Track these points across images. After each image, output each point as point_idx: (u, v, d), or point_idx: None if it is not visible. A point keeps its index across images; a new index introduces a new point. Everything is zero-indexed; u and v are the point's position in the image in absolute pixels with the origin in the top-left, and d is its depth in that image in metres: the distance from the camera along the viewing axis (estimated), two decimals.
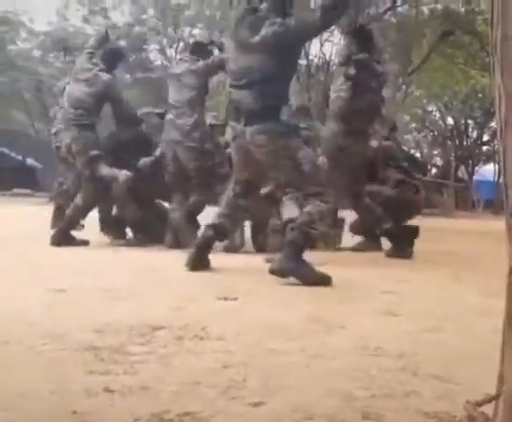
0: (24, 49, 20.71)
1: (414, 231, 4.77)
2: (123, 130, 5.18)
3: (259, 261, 3.92)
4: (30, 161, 24.07)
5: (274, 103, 3.31)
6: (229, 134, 3.55)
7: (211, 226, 3.59)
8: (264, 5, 3.37)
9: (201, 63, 4.88)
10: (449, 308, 2.56)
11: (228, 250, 4.53)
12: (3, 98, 19.76)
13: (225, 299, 2.53)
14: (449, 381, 1.50)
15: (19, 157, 24.23)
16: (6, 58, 19.20)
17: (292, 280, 3.08)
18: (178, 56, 5.49)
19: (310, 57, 16.31)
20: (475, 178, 22.86)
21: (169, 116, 4.94)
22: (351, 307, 2.51)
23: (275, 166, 3.35)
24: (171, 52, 20.52)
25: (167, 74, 5.20)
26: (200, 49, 5.04)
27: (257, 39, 3.26)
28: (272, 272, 3.12)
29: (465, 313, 2.46)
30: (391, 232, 4.62)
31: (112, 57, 5.23)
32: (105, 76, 5.02)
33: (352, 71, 4.43)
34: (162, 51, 21.05)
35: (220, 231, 3.62)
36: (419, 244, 5.73)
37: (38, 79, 18.60)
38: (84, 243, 4.89)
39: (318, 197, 3.27)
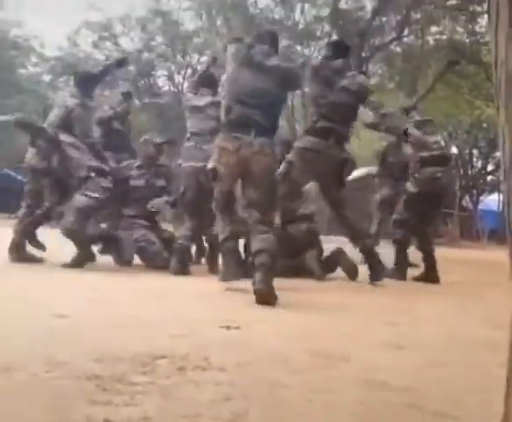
0: (34, 73, 21.03)
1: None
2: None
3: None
4: None
5: (275, 123, 3.70)
6: (229, 145, 3.60)
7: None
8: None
9: (222, 96, 5.10)
10: (454, 340, 2.54)
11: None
12: (10, 122, 19.97)
13: (228, 328, 2.52)
14: (455, 418, 1.48)
15: (25, 180, 24.34)
16: (16, 81, 19.49)
17: (299, 309, 3.07)
18: (188, 87, 5.68)
19: None
20: (480, 207, 22.82)
21: (190, 144, 5.09)
22: (354, 338, 2.49)
23: (264, 181, 3.55)
24: (178, 78, 20.79)
25: (188, 106, 5.33)
26: (207, 80, 5.31)
27: (271, 66, 3.64)
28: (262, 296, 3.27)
29: (471, 346, 2.44)
30: (370, 251, 4.59)
31: (84, 83, 5.30)
32: (69, 101, 5.17)
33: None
34: (170, 77, 21.33)
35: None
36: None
37: (46, 103, 18.83)
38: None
39: (271, 228, 3.53)
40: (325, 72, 4.57)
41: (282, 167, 4.48)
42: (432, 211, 5.35)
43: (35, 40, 20.21)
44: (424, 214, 5.24)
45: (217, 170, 3.66)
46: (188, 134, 5.19)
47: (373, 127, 5.69)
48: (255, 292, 3.29)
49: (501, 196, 22.31)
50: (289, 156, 4.54)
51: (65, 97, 5.39)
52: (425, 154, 5.29)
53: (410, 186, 5.33)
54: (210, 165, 3.71)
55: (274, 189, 3.63)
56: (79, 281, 4.07)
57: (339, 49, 4.73)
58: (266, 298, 3.25)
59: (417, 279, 5.17)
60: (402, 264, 5.25)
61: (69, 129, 5.01)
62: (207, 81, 5.35)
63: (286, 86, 3.72)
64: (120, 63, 5.89)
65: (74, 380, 1.64)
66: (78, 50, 20.35)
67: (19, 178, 24.05)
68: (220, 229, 3.78)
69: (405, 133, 5.33)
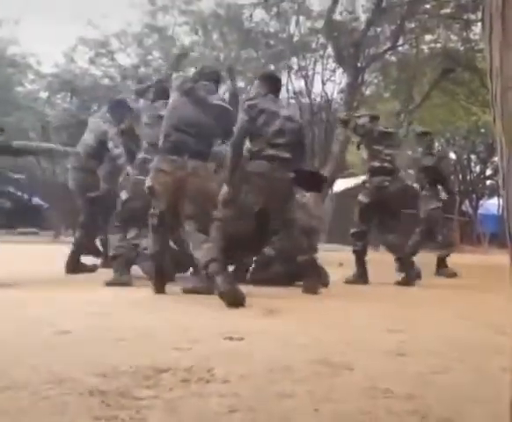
0: (31, 90, 21.08)
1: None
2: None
3: (258, 295, 3.90)
4: (36, 200, 24.18)
5: (209, 148, 4.25)
6: (165, 166, 4.09)
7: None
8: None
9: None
10: (457, 346, 2.53)
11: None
12: (9, 138, 19.97)
13: (231, 339, 2.51)
14: None
15: (25, 196, 24.35)
16: (13, 99, 19.53)
17: (299, 318, 3.06)
18: (150, 96, 5.58)
19: (313, 96, 16.59)
20: (479, 212, 22.82)
21: (147, 156, 4.79)
22: (355, 346, 2.48)
23: (197, 198, 4.05)
24: None
25: (154, 115, 5.02)
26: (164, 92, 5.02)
27: (211, 104, 4.22)
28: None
29: (473, 351, 2.44)
30: (309, 264, 4.60)
31: (116, 110, 5.78)
32: (103, 126, 5.70)
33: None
34: None
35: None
36: (425, 280, 5.71)
37: (44, 119, 18.89)
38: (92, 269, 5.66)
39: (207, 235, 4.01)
40: (262, 105, 4.59)
41: (225, 192, 4.60)
42: (390, 220, 5.54)
43: (32, 57, 20.30)
44: (381, 224, 5.49)
45: (154, 188, 4.11)
46: (145, 145, 4.95)
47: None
48: (222, 295, 3.59)
49: (501, 200, 22.25)
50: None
51: (99, 122, 5.83)
52: (375, 164, 5.53)
53: (361, 197, 5.52)
54: (148, 184, 4.16)
55: (208, 203, 4.16)
56: (79, 296, 4.06)
57: (269, 83, 4.74)
58: (234, 299, 3.55)
59: (399, 283, 5.35)
60: (363, 270, 5.54)
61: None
62: (160, 92, 5.11)
63: (221, 123, 4.30)
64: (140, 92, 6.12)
65: (77, 396, 1.63)
66: (75, 66, 20.41)
67: (19, 194, 24.14)
68: (151, 243, 4.27)
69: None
